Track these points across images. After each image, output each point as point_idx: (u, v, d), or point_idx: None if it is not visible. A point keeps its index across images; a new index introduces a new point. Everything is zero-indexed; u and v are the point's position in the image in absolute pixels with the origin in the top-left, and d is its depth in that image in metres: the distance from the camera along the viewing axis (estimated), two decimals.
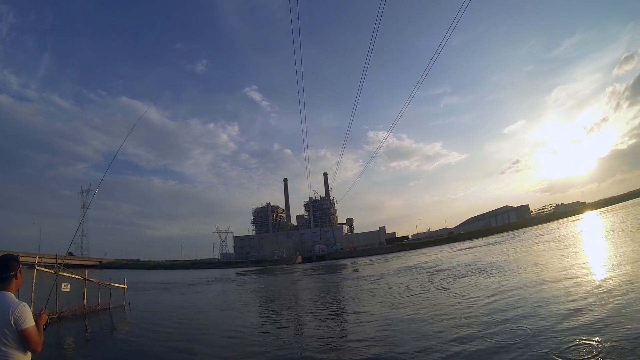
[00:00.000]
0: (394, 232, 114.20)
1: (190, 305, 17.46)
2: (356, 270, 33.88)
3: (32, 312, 2.57)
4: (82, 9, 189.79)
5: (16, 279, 2.66)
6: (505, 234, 58.05)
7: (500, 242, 38.08)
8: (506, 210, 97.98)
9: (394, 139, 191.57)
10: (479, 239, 58.07)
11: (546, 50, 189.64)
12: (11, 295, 2.57)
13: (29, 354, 2.56)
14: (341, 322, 10.46)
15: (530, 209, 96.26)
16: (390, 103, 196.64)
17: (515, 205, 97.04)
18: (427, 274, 19.94)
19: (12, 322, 2.44)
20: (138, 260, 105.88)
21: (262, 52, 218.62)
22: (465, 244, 50.34)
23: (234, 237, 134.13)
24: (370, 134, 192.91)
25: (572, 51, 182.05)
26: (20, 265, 2.71)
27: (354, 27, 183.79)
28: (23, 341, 2.48)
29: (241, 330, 10.19)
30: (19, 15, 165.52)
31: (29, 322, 2.50)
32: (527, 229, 60.11)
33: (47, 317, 2.87)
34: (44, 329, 2.72)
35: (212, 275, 46.45)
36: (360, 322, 9.65)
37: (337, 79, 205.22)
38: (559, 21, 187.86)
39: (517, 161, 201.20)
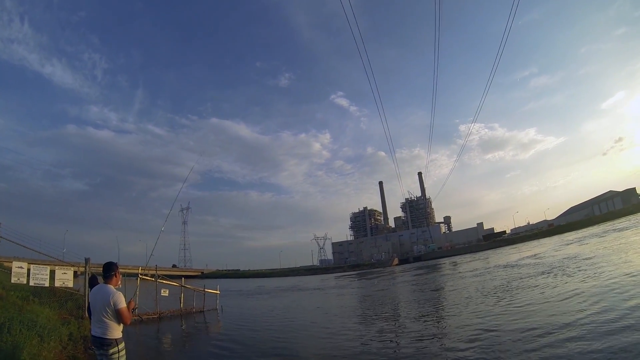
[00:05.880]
0: (493, 228, 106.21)
1: (279, 309, 18.99)
2: (449, 272, 33.92)
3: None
4: (166, 45, 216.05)
5: (115, 277, 4.11)
6: (609, 223, 50.24)
7: (599, 235, 32.99)
8: (610, 196, 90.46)
9: (486, 130, 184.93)
10: (581, 231, 51.40)
11: (637, 7, 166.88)
12: (111, 286, 4.00)
13: (122, 326, 3.94)
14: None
15: (638, 192, 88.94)
16: (477, 93, 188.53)
17: (620, 190, 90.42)
18: (525, 276, 20.03)
19: (111, 303, 3.80)
20: (238, 269, 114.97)
21: (342, 58, 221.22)
22: (566, 237, 45.29)
23: (332, 243, 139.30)
24: (462, 127, 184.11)
25: None
26: (118, 269, 4.20)
27: (429, 22, 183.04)
28: (118, 316, 3.85)
29: (322, 330, 11.27)
30: (110, 60, 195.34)
31: (123, 304, 3.89)
32: (635, 216, 51.74)
33: (134, 303, 4.39)
34: (132, 312, 4.26)
35: (304, 282, 49.04)
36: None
37: (419, 76, 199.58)
38: None
39: (620, 139, 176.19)
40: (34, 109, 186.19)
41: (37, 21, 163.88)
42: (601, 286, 10.84)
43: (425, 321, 10.72)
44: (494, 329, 8.11)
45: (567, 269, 16.26)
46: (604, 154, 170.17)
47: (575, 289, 11.26)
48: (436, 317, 11.37)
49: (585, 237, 35.79)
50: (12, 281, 9.71)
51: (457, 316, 10.63)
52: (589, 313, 7.99)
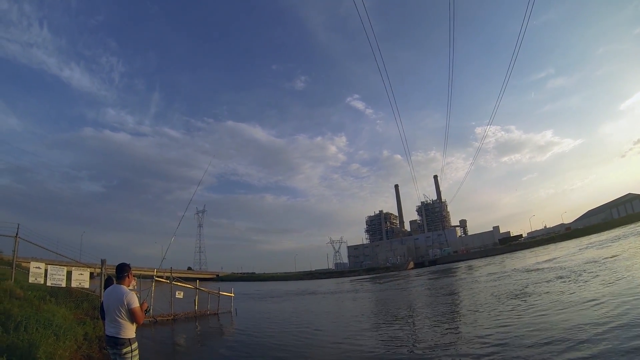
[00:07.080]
0: (509, 231, 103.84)
1: (288, 314, 19.04)
2: (465, 276, 33.44)
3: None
4: (182, 49, 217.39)
5: (128, 277, 4.24)
6: (629, 226, 48.24)
7: (618, 239, 32.13)
8: (629, 199, 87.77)
9: (502, 132, 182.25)
10: (599, 234, 49.50)
11: None
12: (124, 287, 4.13)
13: (135, 325, 4.04)
14: None
15: None
16: (493, 95, 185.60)
17: None
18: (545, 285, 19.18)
19: (125, 303, 3.91)
20: (253, 273, 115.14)
21: (358, 60, 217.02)
22: (584, 240, 43.52)
23: (348, 247, 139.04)
24: (478, 129, 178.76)
25: None
26: (131, 270, 4.33)
27: (444, 24, 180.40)
28: (131, 315, 3.96)
29: (326, 338, 11.16)
30: (127, 63, 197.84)
31: (136, 303, 4.00)
32: None
33: (146, 305, 4.45)
34: (145, 312, 4.28)
35: (319, 285, 49.01)
36: None
37: (435, 78, 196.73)
38: None
39: (639, 140, 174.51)
40: (52, 112, 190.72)
41: (55, 25, 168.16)
42: (621, 294, 10.36)
43: (438, 329, 10.41)
44: (509, 341, 7.75)
45: (585, 274, 15.75)
46: (623, 156, 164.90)
47: (594, 297, 10.76)
48: (450, 325, 11.04)
49: (603, 240, 34.67)
50: (30, 281, 9.98)
51: (472, 324, 10.33)
52: (609, 326, 7.53)
